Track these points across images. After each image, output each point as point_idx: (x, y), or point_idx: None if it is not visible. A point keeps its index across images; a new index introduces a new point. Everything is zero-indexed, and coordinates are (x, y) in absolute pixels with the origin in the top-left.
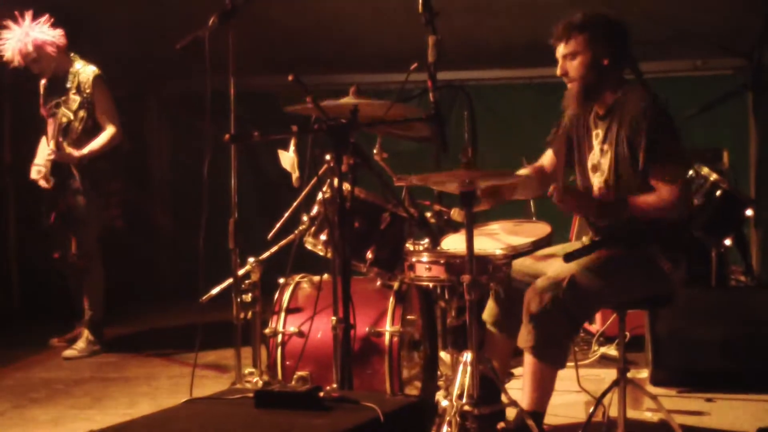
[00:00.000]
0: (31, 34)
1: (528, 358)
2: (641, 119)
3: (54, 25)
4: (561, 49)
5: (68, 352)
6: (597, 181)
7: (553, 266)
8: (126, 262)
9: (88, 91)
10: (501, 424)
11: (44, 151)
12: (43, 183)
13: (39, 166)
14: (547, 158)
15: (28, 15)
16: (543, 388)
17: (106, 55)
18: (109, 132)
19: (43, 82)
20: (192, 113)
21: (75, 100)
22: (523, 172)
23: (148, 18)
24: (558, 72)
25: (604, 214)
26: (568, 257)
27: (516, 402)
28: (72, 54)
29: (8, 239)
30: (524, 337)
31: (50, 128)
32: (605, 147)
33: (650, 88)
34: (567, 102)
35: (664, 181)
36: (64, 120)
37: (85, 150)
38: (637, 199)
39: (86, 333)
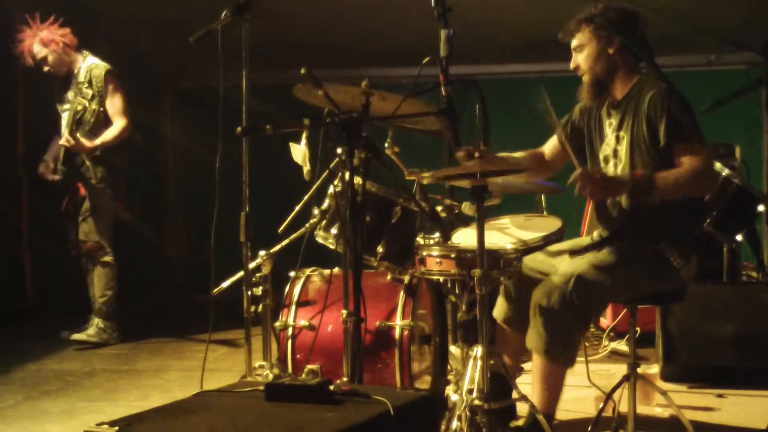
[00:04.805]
0: (39, 34)
1: (537, 359)
2: (664, 97)
3: (64, 24)
4: (572, 43)
5: (77, 335)
6: (610, 171)
7: (563, 263)
8: (138, 255)
9: (99, 85)
10: (513, 423)
11: (54, 146)
12: (50, 176)
13: (47, 162)
14: (549, 145)
15: (37, 17)
16: (553, 389)
17: (120, 51)
18: (119, 125)
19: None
20: (205, 107)
21: (87, 93)
22: (519, 154)
23: (162, 12)
24: (571, 65)
25: (634, 192)
26: (575, 254)
27: (526, 397)
28: (84, 51)
29: (21, 232)
30: (533, 338)
31: (62, 122)
32: (621, 134)
33: (667, 79)
34: (581, 94)
35: (690, 154)
36: (80, 108)
37: (98, 141)
38: (666, 173)
39: (97, 321)
